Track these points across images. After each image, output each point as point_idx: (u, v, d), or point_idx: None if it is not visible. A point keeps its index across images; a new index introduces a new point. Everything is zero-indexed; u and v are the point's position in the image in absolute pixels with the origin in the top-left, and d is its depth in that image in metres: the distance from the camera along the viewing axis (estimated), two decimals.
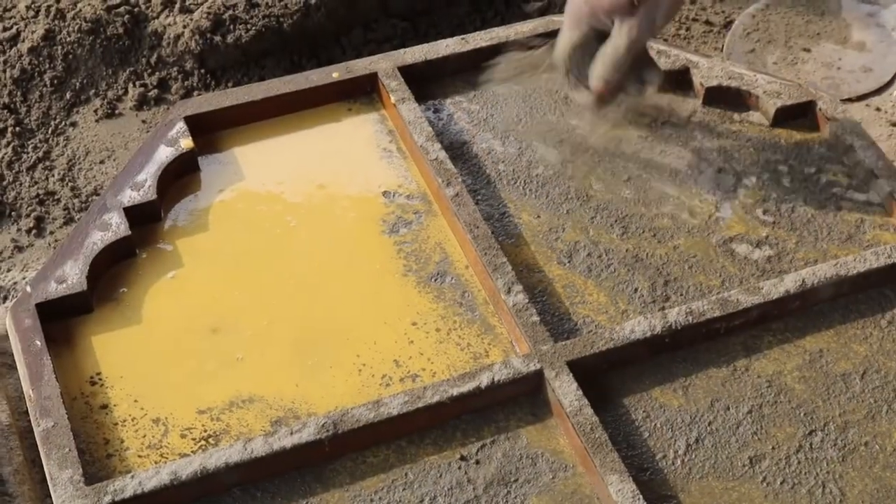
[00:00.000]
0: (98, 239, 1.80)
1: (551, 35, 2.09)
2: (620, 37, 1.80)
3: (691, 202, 1.92)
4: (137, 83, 2.26)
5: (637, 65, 1.87)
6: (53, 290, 1.74)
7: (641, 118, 2.03)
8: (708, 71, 2.07)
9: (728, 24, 2.53)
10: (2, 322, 1.82)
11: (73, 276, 1.75)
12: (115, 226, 1.82)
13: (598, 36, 1.85)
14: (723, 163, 1.98)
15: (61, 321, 1.75)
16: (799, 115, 2.05)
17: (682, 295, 1.79)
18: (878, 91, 2.42)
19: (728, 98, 2.07)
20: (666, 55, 2.09)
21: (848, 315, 1.77)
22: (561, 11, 2.45)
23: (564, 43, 1.88)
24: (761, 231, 1.88)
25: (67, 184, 2.10)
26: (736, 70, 2.08)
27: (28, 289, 1.75)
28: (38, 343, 1.69)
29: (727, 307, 1.73)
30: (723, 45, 2.48)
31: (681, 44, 2.50)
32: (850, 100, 2.41)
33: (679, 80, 2.08)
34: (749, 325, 1.75)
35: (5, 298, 1.91)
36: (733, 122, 2.05)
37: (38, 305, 1.73)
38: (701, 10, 2.56)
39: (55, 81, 2.24)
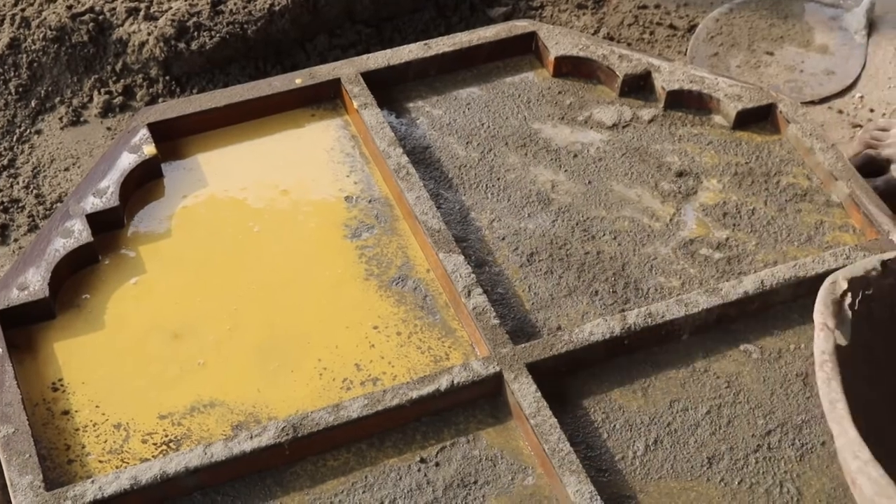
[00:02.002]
0: (60, 246, 1.80)
1: (517, 41, 2.10)
2: None
3: (652, 205, 1.93)
4: (102, 90, 2.26)
5: None
6: (15, 296, 1.75)
7: None
8: (669, 75, 2.08)
9: (692, 28, 2.55)
10: None
11: (35, 282, 1.76)
12: (78, 232, 1.82)
13: None
14: (684, 165, 1.99)
15: (23, 328, 1.75)
16: (760, 117, 2.06)
17: (642, 297, 1.81)
18: (841, 94, 2.44)
19: (689, 101, 2.08)
20: (628, 59, 2.10)
21: (806, 316, 1.78)
22: (526, 16, 2.47)
23: None
24: (721, 233, 1.89)
25: (32, 191, 2.11)
26: (697, 73, 2.09)
27: None
28: (0, 350, 1.69)
29: (686, 308, 1.74)
30: (686, 49, 2.49)
31: (644, 48, 2.52)
32: (812, 102, 2.43)
33: (641, 84, 2.10)
34: (708, 326, 1.76)
35: None
36: (694, 125, 2.06)
37: (0, 312, 1.73)
38: (665, 14, 2.57)
39: (20, 89, 2.24)
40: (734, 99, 2.05)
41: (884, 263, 1.63)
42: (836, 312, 1.56)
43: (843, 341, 1.53)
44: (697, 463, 1.62)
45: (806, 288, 1.79)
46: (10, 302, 1.74)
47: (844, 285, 1.59)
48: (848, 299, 1.58)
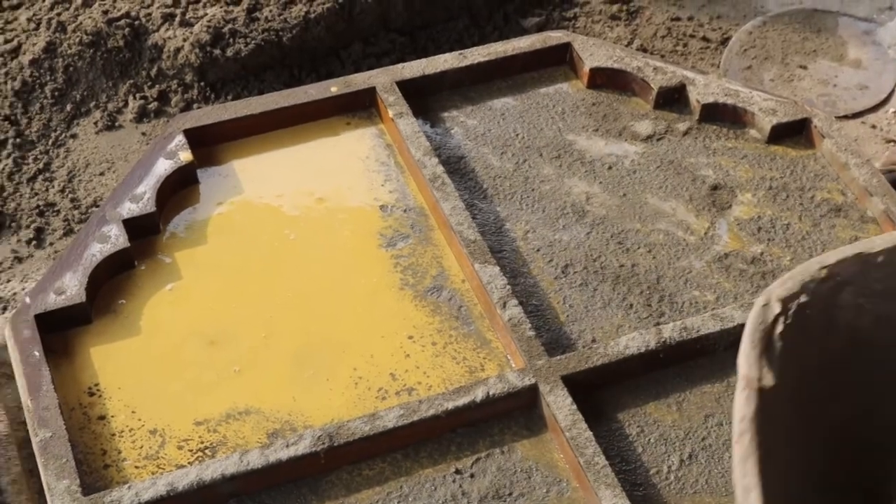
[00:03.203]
0: (97, 251, 1.81)
1: (552, 51, 2.11)
2: None
3: (686, 218, 1.93)
4: (137, 95, 2.27)
5: None
6: (52, 301, 1.75)
7: None
8: (704, 88, 2.08)
9: (725, 41, 2.55)
10: (1, 333, 1.83)
11: (72, 287, 1.76)
12: (115, 238, 1.83)
13: None
14: (718, 179, 1.99)
15: (60, 332, 1.76)
16: (794, 132, 2.06)
17: (676, 311, 1.81)
18: (874, 108, 2.43)
19: (724, 115, 2.08)
20: (662, 72, 2.10)
21: None
22: (559, 27, 2.47)
23: None
24: (756, 248, 1.89)
25: (67, 195, 2.11)
26: (732, 87, 2.09)
27: (27, 300, 1.76)
28: (37, 354, 1.70)
29: (722, 323, 1.74)
30: (720, 62, 2.49)
31: (677, 60, 2.52)
32: (845, 117, 2.43)
33: (675, 97, 2.10)
34: None
35: (4, 309, 1.91)
36: (729, 138, 2.06)
37: (37, 316, 1.74)
38: (698, 27, 2.57)
39: (56, 93, 2.25)
40: (769, 113, 2.05)
41: (826, 268, 1.40)
42: (764, 350, 1.35)
43: (769, 382, 1.33)
44: (732, 479, 1.62)
45: None
46: (47, 306, 1.75)
47: (777, 308, 1.37)
48: (780, 326, 1.36)
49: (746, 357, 1.36)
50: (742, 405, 1.33)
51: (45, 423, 1.62)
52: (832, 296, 1.37)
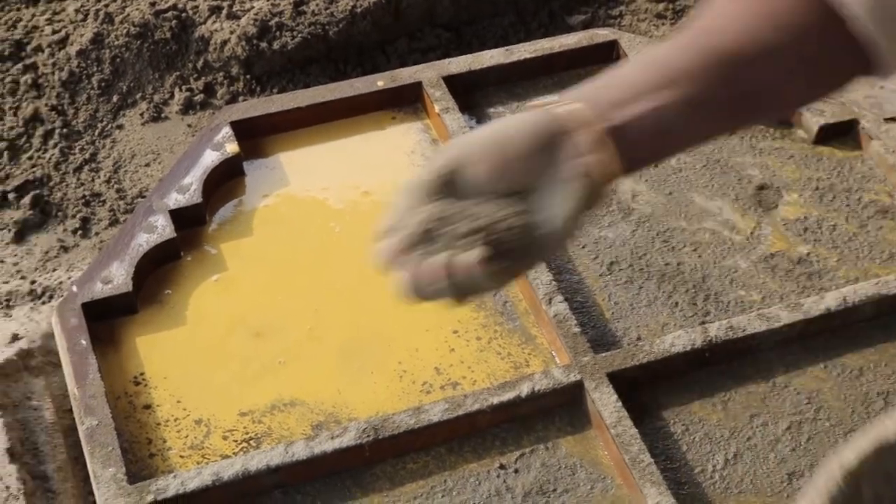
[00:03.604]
0: (144, 241, 1.82)
1: (598, 49, 2.11)
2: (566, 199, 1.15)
3: (732, 217, 1.93)
4: (183, 87, 2.27)
5: None
6: (99, 290, 1.76)
7: None
8: None
9: None
10: (48, 321, 1.84)
11: (118, 276, 1.77)
12: (161, 228, 1.83)
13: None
14: (765, 179, 1.98)
15: (106, 321, 1.77)
16: (841, 133, 2.05)
17: (722, 310, 1.80)
18: None
19: None
20: None
21: (889, 334, 1.77)
22: (605, 24, 2.47)
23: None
24: (802, 248, 1.88)
25: (113, 186, 2.12)
26: None
27: (74, 289, 1.77)
28: (84, 342, 1.71)
29: (768, 323, 1.73)
30: None
31: None
32: (892, 119, 2.41)
33: None
34: (789, 341, 1.75)
35: (51, 298, 1.92)
36: (775, 138, 2.05)
37: (83, 305, 1.75)
38: None
39: (102, 84, 2.25)
40: (816, 113, 2.04)
41: (850, 474, 1.20)
42: None
43: None
44: (777, 479, 1.61)
45: (888, 306, 1.78)
46: (94, 295, 1.76)
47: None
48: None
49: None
50: None
51: (91, 412, 1.63)
52: (854, 495, 1.33)
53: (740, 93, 1.18)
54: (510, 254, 1.10)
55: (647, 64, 1.18)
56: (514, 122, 1.13)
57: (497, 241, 1.09)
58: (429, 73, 2.08)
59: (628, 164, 1.13)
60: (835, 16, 1.18)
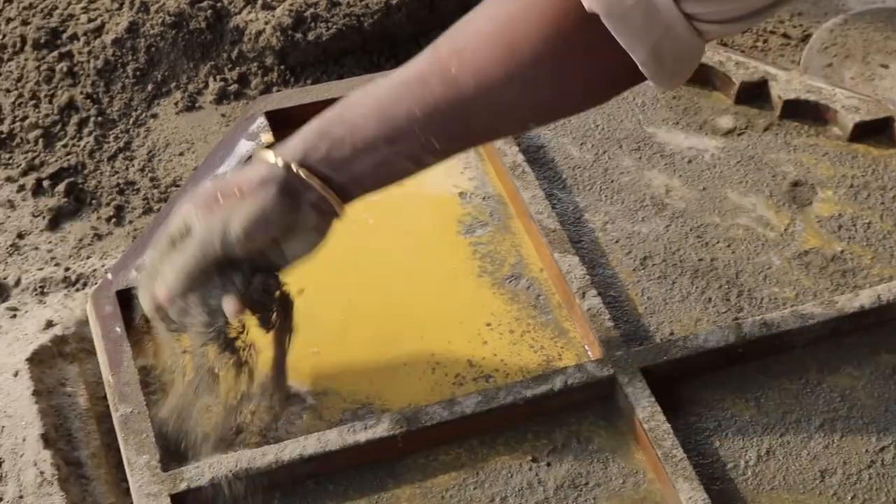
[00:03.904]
0: None
1: None
2: (192, 237, 1.41)
3: (766, 214, 1.92)
4: (218, 77, 2.28)
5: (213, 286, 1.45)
6: (134, 278, 1.77)
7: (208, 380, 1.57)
8: (786, 84, 2.07)
9: (805, 38, 2.53)
10: (82, 308, 1.85)
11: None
12: None
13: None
14: (799, 176, 1.98)
15: (141, 308, 1.77)
16: (877, 130, 2.04)
17: (755, 306, 1.80)
18: None
19: (806, 112, 2.07)
20: (744, 66, 2.09)
21: None
22: None
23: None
24: (836, 246, 1.88)
25: (147, 174, 2.13)
26: (814, 84, 2.08)
27: (109, 276, 1.78)
28: (118, 330, 1.72)
29: (802, 320, 1.73)
30: (800, 59, 2.48)
31: (758, 56, 2.50)
32: None
33: (757, 92, 2.09)
34: (823, 339, 1.75)
35: (85, 285, 1.93)
36: (810, 135, 2.05)
37: (118, 293, 1.75)
38: (778, 23, 2.56)
39: (137, 73, 2.26)
40: (851, 111, 2.04)
41: None
42: None
43: None
44: (810, 476, 1.61)
45: None
46: (128, 283, 1.76)
47: None
48: None
49: None
50: None
51: (125, 399, 1.64)
52: None
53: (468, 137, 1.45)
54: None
55: (370, 115, 1.39)
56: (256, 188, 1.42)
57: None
58: None
59: (349, 201, 1.47)
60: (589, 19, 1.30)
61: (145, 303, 1.47)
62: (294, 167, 1.40)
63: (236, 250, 1.40)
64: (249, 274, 1.44)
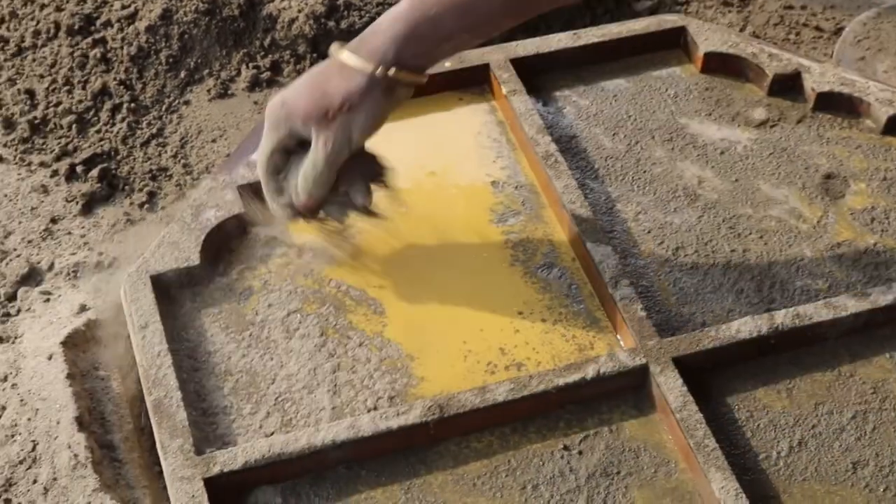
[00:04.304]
0: (212, 215, 1.83)
1: (666, 35, 2.11)
2: (317, 150, 1.63)
3: (799, 206, 1.92)
4: (250, 65, 2.29)
5: (347, 180, 1.71)
6: (168, 262, 1.77)
7: (342, 242, 1.85)
8: (820, 76, 2.07)
9: (838, 31, 2.52)
10: (116, 292, 1.85)
11: (187, 250, 1.78)
12: (229, 203, 1.84)
13: (302, 142, 1.67)
14: (832, 168, 1.97)
15: (174, 293, 1.78)
16: None
17: (787, 297, 1.80)
18: None
19: (839, 104, 2.06)
20: (778, 59, 2.09)
21: None
22: (670, 11, 2.46)
23: (264, 146, 1.70)
24: (869, 238, 1.88)
25: (180, 160, 2.14)
26: (848, 76, 2.07)
27: (142, 261, 1.78)
28: (152, 314, 1.72)
29: (835, 312, 1.72)
30: (832, 52, 2.47)
31: (790, 48, 2.50)
32: None
33: (790, 85, 2.08)
34: (855, 331, 1.75)
35: (118, 270, 1.94)
36: (843, 127, 2.04)
37: (152, 277, 1.76)
38: (811, 16, 2.55)
39: (170, 60, 2.27)
40: (885, 104, 2.03)
41: None
42: None
43: None
44: (842, 467, 1.61)
45: None
46: (162, 267, 1.77)
47: None
48: None
49: None
50: None
51: (158, 383, 1.64)
52: None
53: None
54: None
55: (451, 11, 1.58)
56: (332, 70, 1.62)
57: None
58: (496, 56, 2.09)
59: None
60: None
61: (283, 211, 1.73)
62: (390, 71, 1.58)
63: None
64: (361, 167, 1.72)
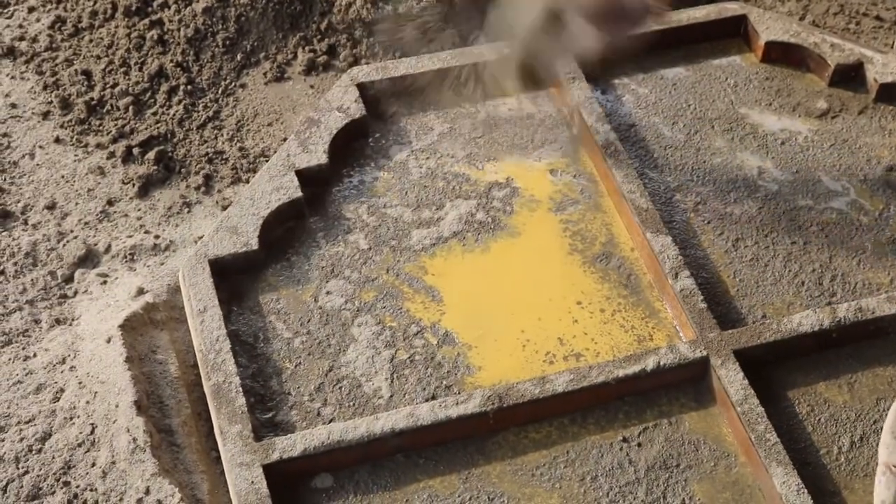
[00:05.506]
0: (271, 199, 1.82)
1: (727, 23, 2.09)
2: None
3: (860, 198, 1.90)
4: (307, 48, 2.28)
5: None
6: (226, 246, 1.77)
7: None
8: (883, 67, 2.05)
9: None
10: (172, 276, 1.85)
11: (245, 234, 1.78)
12: (288, 188, 1.84)
13: None
14: (894, 160, 1.95)
15: (233, 278, 1.78)
16: None
17: (849, 291, 1.78)
18: None
19: None
20: (840, 49, 2.06)
21: None
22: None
23: None
24: None
25: (236, 144, 2.13)
26: None
27: (201, 244, 1.78)
28: (210, 298, 1.72)
29: None
30: (893, 42, 2.44)
31: (849, 38, 2.47)
32: None
33: (852, 75, 2.06)
34: None
35: (175, 253, 1.94)
36: None
37: (211, 262, 1.76)
38: (871, 5, 2.52)
39: (227, 42, 2.26)
40: None
41: None
42: None
43: None
44: None
45: None
46: (220, 251, 1.77)
47: None
48: None
49: (886, 445, 1.50)
50: (882, 490, 1.48)
51: (217, 368, 1.64)
52: None
53: None
54: None
55: None
56: None
57: None
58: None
59: None
60: None
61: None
62: None
63: None
64: None
